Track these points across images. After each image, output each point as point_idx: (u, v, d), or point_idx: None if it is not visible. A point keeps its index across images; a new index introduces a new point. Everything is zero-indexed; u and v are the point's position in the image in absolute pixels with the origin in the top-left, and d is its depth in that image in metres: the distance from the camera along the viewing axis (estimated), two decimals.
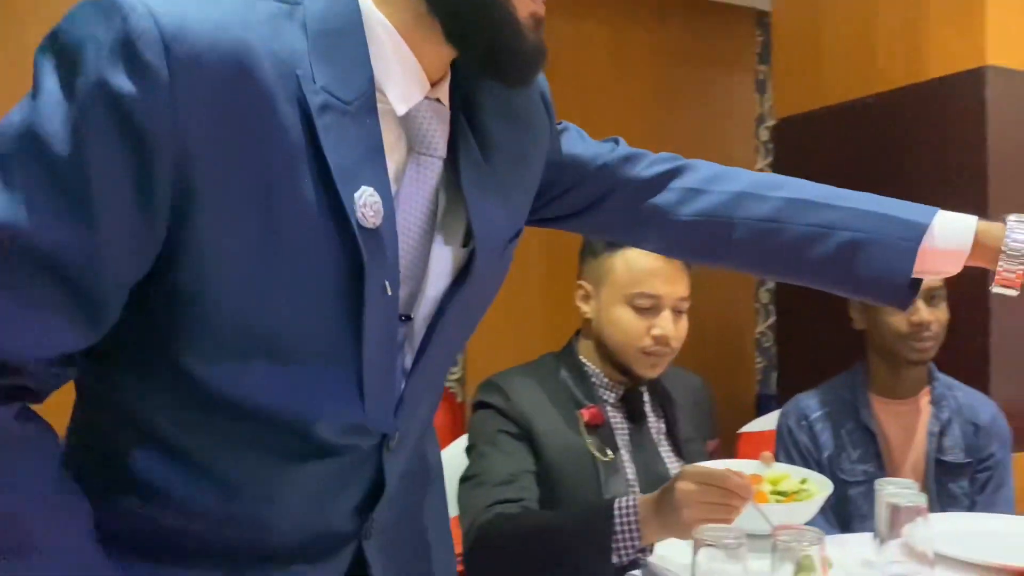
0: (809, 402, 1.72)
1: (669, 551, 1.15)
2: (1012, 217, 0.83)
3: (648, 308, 1.34)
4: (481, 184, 0.75)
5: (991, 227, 0.84)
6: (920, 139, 2.12)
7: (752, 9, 3.02)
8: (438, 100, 0.72)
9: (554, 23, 2.79)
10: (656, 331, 1.34)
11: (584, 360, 1.42)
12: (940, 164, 2.07)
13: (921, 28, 2.11)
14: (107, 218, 0.57)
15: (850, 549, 1.20)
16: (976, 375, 1.82)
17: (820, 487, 1.22)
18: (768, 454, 1.30)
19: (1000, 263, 0.82)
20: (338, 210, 0.63)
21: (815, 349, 2.32)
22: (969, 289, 1.82)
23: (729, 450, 1.96)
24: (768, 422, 1.90)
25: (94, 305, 0.60)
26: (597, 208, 0.95)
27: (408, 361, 0.74)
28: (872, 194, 0.89)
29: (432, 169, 0.72)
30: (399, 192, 0.70)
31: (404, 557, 0.85)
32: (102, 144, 0.56)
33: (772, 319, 3.40)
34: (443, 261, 0.74)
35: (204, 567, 0.70)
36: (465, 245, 0.76)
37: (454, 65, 0.74)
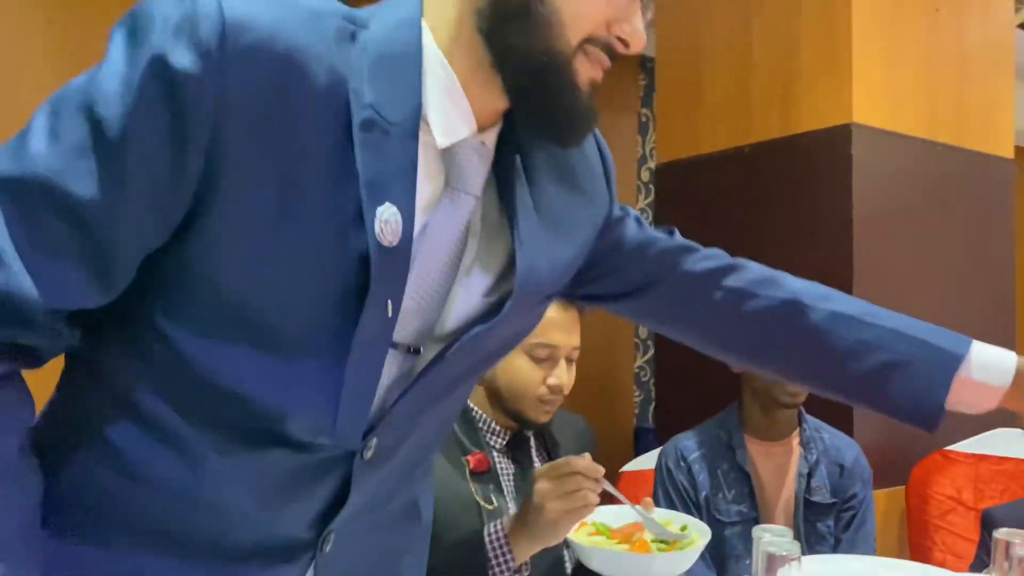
0: (687, 443, 1.76)
1: None
2: None
3: (545, 358, 1.35)
4: (531, 230, 0.75)
5: None
6: (792, 189, 2.23)
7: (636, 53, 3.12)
8: (483, 143, 0.72)
9: None
10: (552, 380, 1.35)
11: (472, 405, 1.40)
12: (810, 213, 2.18)
13: (794, 84, 2.23)
14: (137, 183, 0.60)
15: None
16: (841, 417, 1.91)
17: (700, 534, 1.23)
18: (649, 500, 1.32)
19: None
20: (357, 221, 0.64)
21: (692, 384, 2.39)
22: None
23: None
24: (648, 461, 1.93)
25: (109, 265, 0.62)
26: (642, 295, 0.94)
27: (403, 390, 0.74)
28: (910, 318, 0.91)
29: (465, 206, 0.72)
30: (428, 223, 0.70)
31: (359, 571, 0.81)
32: (148, 113, 0.59)
33: (650, 353, 3.49)
34: (464, 303, 0.74)
35: (159, 552, 0.69)
36: (489, 294, 0.75)
37: (509, 117, 0.74)
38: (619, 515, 1.26)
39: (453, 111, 0.69)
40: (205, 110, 0.59)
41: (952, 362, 0.86)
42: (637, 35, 0.70)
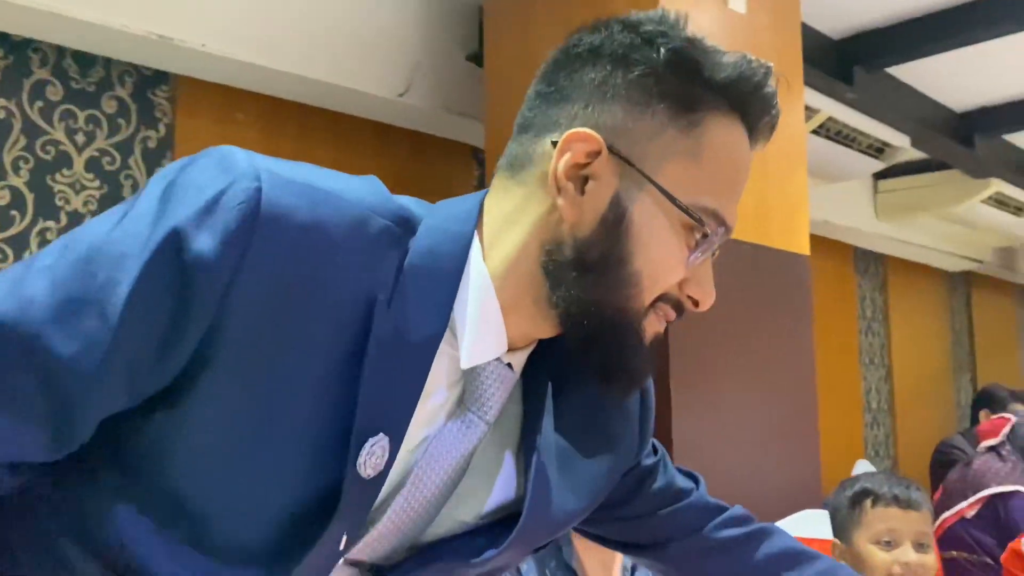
0: None
1: None
2: None
3: None
4: (545, 477, 0.70)
5: None
6: None
7: (467, 145, 3.21)
8: (509, 365, 0.68)
9: (280, 143, 2.74)
10: None
11: None
12: None
13: None
14: (122, 353, 0.56)
15: None
16: None
17: None
18: None
19: None
20: (342, 443, 0.60)
21: None
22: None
23: None
24: None
25: (69, 427, 0.58)
26: (655, 550, 0.89)
27: None
28: None
29: (476, 432, 0.67)
30: (432, 441, 0.65)
31: None
32: (153, 288, 0.55)
33: None
34: (447, 527, 0.69)
35: None
36: (476, 521, 0.70)
37: (545, 341, 0.70)
38: None
39: (485, 335, 0.65)
40: (212, 298, 0.56)
41: None
42: (708, 297, 0.69)
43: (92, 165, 2.35)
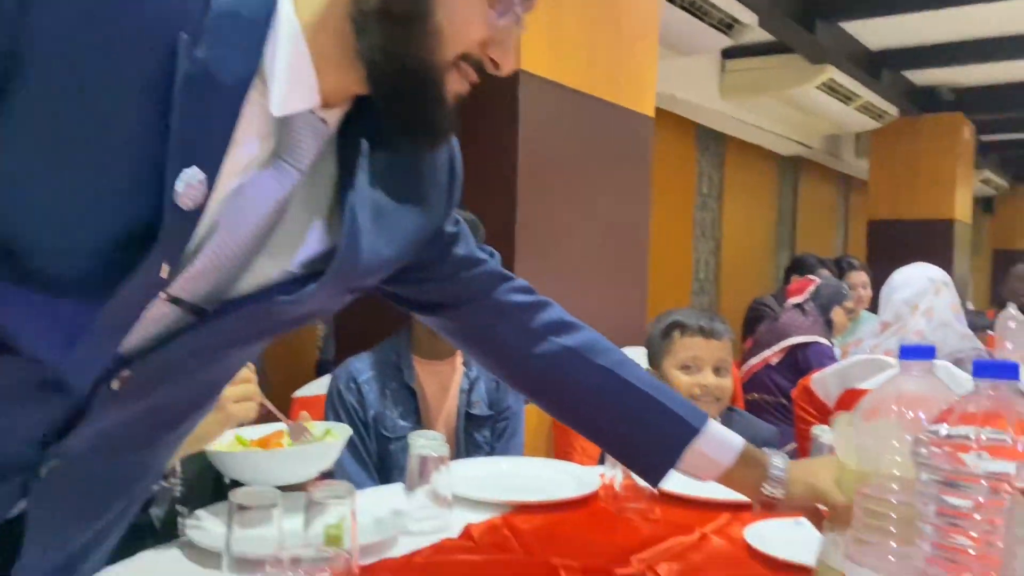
0: (359, 365, 1.83)
1: (206, 523, 1.14)
2: (767, 450, 1.00)
3: None
4: (360, 219, 0.73)
5: (755, 450, 0.99)
6: (463, 137, 2.35)
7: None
8: (324, 121, 0.70)
9: None
10: None
11: None
12: (478, 163, 2.32)
13: None
14: None
15: (382, 499, 1.31)
16: None
17: (340, 433, 1.28)
18: (305, 413, 1.35)
19: (764, 485, 0.96)
20: (157, 176, 0.61)
21: (370, 316, 2.46)
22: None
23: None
24: (320, 386, 1.97)
25: None
26: (451, 312, 0.98)
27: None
28: (665, 386, 1.03)
29: (289, 179, 0.70)
30: (245, 187, 0.67)
31: (72, 509, 0.77)
32: None
33: None
34: (264, 273, 0.72)
35: None
36: (295, 270, 0.73)
37: (363, 101, 0.72)
38: (261, 431, 1.27)
39: (295, 84, 0.67)
40: (4, 21, 0.56)
41: (689, 432, 0.97)
42: (508, 61, 0.73)
43: None
